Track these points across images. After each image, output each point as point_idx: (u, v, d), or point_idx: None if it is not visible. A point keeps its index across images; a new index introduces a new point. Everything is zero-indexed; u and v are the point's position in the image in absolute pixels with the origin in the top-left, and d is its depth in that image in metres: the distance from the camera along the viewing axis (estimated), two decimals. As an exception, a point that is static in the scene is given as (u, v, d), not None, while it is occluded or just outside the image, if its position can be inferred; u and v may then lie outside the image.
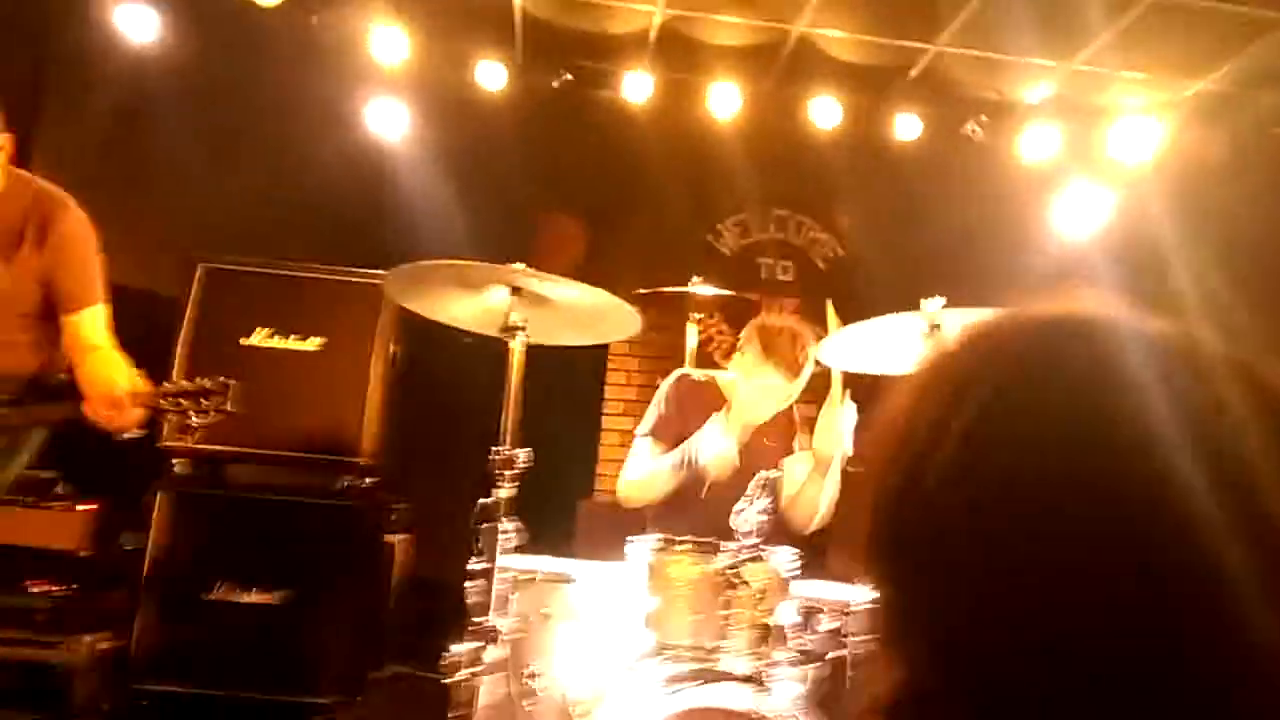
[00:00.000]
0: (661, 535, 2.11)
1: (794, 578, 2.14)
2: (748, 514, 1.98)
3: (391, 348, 3.86)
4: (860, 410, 2.54)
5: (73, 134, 4.32)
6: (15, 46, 4.15)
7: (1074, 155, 5.02)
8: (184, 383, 2.42)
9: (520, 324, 2.24)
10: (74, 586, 3.66)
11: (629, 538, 2.19)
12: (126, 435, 2.40)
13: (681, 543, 2.08)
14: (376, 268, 3.74)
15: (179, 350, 3.67)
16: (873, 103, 4.90)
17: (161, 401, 2.41)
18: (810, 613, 2.17)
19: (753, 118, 4.84)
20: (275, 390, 3.59)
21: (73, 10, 4.33)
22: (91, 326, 2.49)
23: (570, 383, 4.54)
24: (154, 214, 4.22)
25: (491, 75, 4.68)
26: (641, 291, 3.72)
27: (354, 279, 3.86)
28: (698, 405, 2.84)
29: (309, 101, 4.61)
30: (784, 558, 2.10)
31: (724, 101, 4.76)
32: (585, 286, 2.24)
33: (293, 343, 3.77)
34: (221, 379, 2.42)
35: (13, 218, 2.42)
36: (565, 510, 3.89)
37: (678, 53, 4.73)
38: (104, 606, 3.65)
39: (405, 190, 4.61)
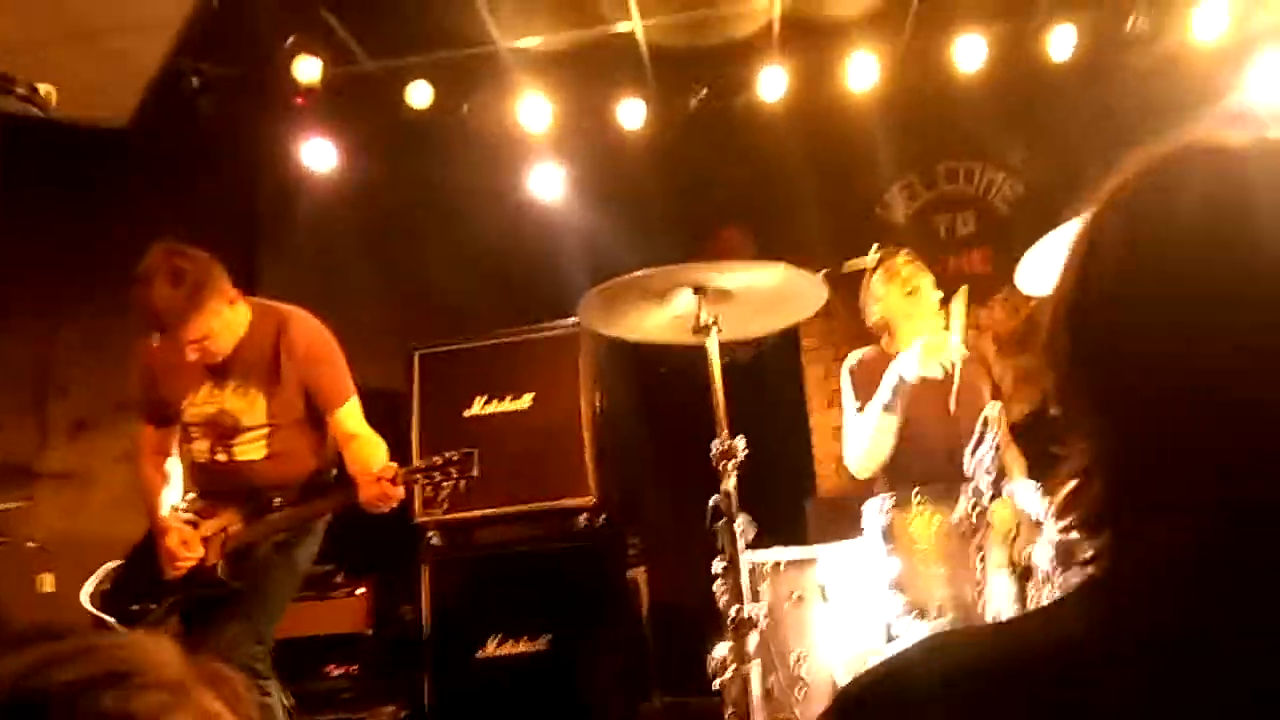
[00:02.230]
0: (893, 493, 2.06)
1: (1043, 515, 2.02)
2: (981, 453, 1.90)
3: (595, 390, 4.00)
4: None
5: (286, 259, 4.84)
6: (231, 198, 4.75)
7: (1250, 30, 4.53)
8: (435, 458, 2.65)
9: (711, 321, 2.28)
10: (365, 664, 4.00)
11: (864, 505, 2.16)
12: (384, 511, 2.63)
13: (915, 496, 2.02)
14: (566, 318, 3.92)
15: (415, 432, 3.97)
16: (1020, 27, 4.64)
17: (419, 477, 2.65)
18: (1068, 548, 2.04)
19: (895, 79, 4.70)
20: (501, 451, 3.80)
21: (272, 158, 4.88)
22: (350, 418, 2.76)
23: (767, 394, 4.51)
24: (366, 317, 4.61)
25: (632, 112, 4.81)
26: (822, 274, 3.68)
27: (548, 333, 4.05)
28: (881, 372, 2.79)
29: (475, 183, 4.93)
30: (1026, 490, 1.99)
31: (861, 72, 4.65)
32: (763, 265, 2.26)
33: (507, 404, 3.99)
34: (465, 450, 2.63)
35: (265, 345, 2.73)
36: (792, 513, 3.87)
37: (804, 38, 4.69)
38: (394, 677, 3.96)
39: (577, 241, 4.80)
